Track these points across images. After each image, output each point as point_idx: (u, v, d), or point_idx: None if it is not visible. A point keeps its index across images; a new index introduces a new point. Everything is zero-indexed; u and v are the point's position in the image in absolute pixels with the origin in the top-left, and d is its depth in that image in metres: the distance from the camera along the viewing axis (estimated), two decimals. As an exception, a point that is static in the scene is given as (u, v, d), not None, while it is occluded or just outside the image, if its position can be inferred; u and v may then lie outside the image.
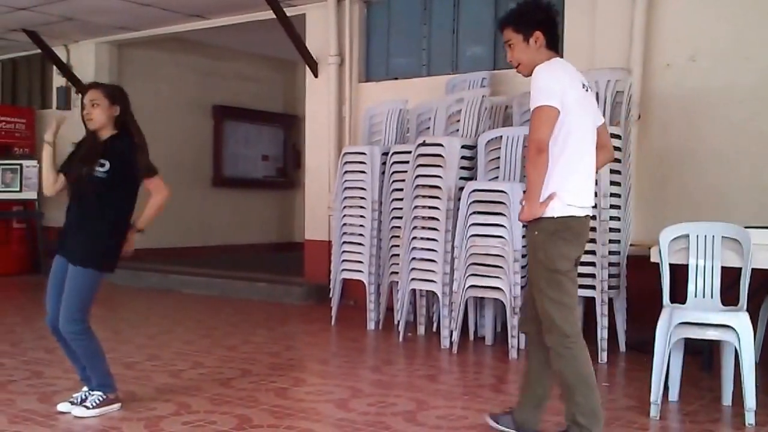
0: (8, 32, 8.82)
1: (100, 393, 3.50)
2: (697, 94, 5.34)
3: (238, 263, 8.87)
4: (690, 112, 5.37)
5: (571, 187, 2.92)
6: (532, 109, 2.87)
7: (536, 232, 2.93)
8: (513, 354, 4.82)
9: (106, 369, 3.56)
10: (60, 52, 9.35)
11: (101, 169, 3.46)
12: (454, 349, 5.00)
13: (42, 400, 3.71)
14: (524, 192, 3.00)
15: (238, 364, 4.59)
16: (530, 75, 2.95)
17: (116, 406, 3.53)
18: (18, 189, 9.09)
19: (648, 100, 5.52)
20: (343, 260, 5.96)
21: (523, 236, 4.86)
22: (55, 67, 9.47)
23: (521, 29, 3.00)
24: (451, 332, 5.07)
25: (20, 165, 9.11)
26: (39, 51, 9.24)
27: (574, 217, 2.93)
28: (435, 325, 5.60)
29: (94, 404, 3.46)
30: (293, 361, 4.91)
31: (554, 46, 3.04)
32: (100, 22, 8.26)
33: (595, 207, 4.72)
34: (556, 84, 2.88)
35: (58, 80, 9.56)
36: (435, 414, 3.51)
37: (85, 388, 3.58)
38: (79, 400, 3.51)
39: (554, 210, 2.89)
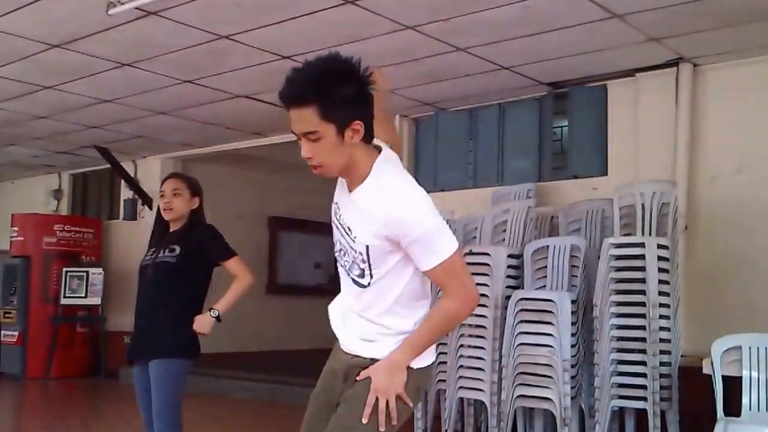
0: (81, 148, 9.39)
1: None
2: (744, 205, 5.39)
3: (289, 369, 8.93)
4: (737, 223, 5.40)
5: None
6: (440, 262, 2.00)
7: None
8: (564, 468, 4.71)
9: None
10: (128, 167, 9.86)
11: (171, 254, 3.36)
12: (504, 461, 4.92)
13: (96, 503, 3.78)
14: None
15: (287, 472, 4.60)
16: (327, 175, 1.99)
17: None
18: (83, 295, 9.48)
19: (695, 211, 5.57)
20: (391, 367, 5.96)
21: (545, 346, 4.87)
22: (122, 181, 9.96)
23: (332, 115, 1.87)
24: (501, 443, 5.00)
25: (86, 272, 9.54)
26: (108, 165, 9.75)
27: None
28: (484, 435, 5.53)
29: None
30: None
31: (371, 134, 1.90)
32: (168, 139, 8.78)
33: (643, 317, 4.78)
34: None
35: (126, 193, 9.99)
36: None
37: None
38: None
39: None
